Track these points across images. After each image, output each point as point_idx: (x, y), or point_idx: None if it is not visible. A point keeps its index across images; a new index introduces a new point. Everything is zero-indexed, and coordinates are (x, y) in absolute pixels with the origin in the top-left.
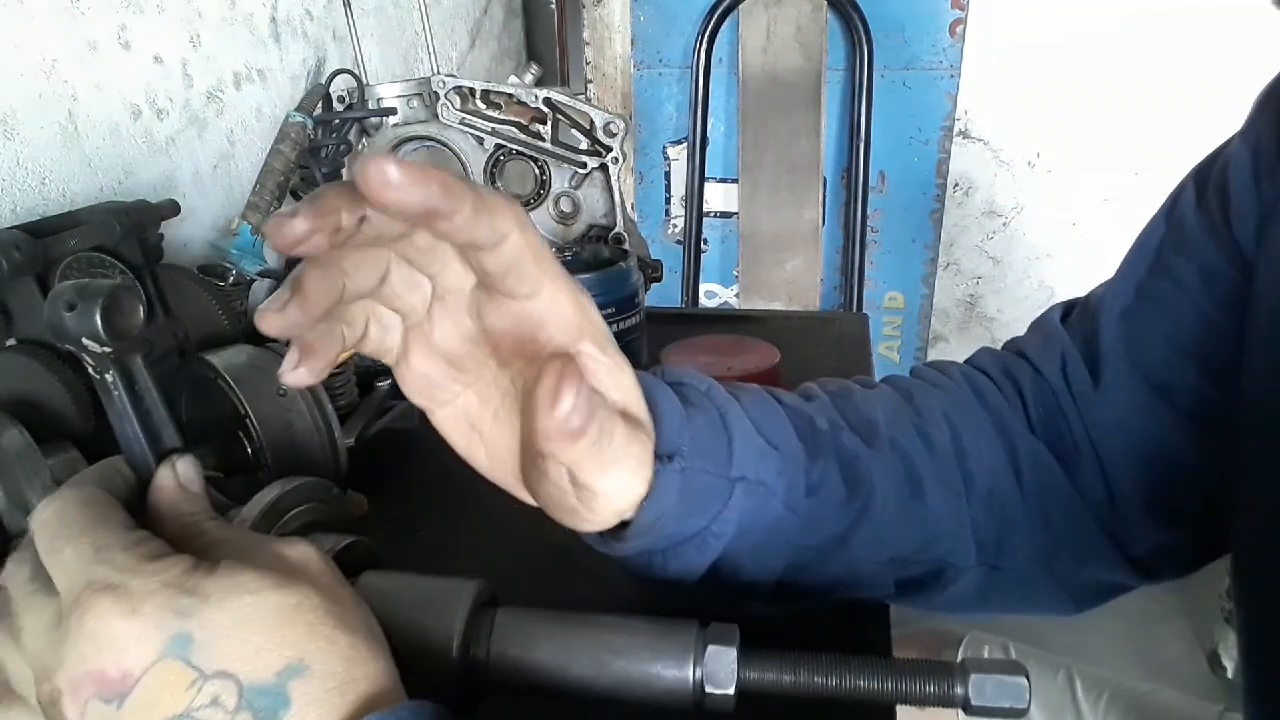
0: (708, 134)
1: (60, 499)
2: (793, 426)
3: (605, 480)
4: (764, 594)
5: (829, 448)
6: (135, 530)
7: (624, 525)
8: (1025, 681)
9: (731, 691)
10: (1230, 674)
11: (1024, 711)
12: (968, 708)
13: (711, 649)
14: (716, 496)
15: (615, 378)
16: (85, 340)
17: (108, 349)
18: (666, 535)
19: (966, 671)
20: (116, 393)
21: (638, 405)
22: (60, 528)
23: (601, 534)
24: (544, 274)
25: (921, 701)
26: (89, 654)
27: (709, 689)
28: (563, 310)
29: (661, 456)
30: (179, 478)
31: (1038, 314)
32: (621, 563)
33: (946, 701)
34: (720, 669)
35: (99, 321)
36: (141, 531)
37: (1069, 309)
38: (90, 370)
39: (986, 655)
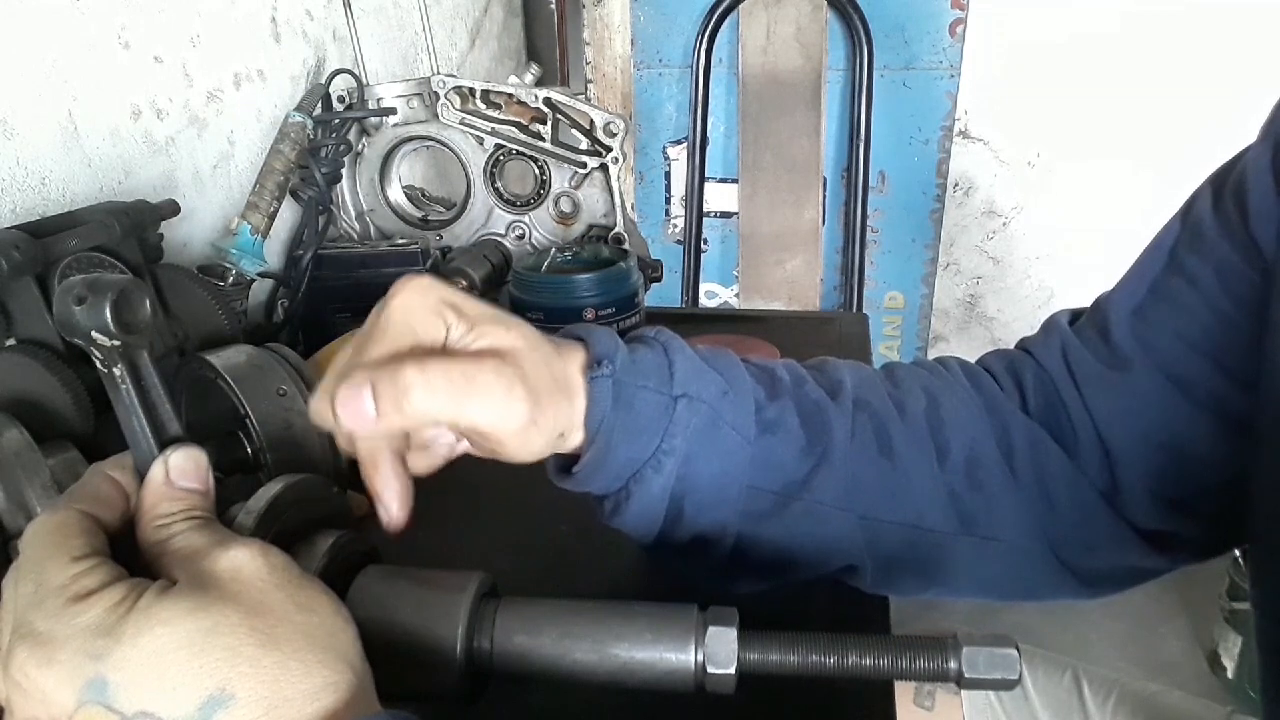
0: (708, 134)
1: (33, 525)
2: (748, 371)
3: (475, 413)
4: (729, 546)
5: (788, 394)
6: (83, 561)
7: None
8: (1015, 653)
9: (733, 671)
10: (1230, 674)
11: (1015, 683)
12: (961, 680)
13: (712, 630)
14: (661, 412)
15: (478, 331)
16: (94, 334)
17: (116, 343)
18: (624, 459)
19: (959, 645)
20: (124, 386)
21: (510, 344)
22: (23, 559)
23: (570, 471)
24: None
25: (917, 677)
26: (22, 703)
27: (710, 669)
28: (413, 309)
29: (592, 365)
30: (169, 472)
31: (1037, 314)
32: (599, 506)
33: (941, 676)
34: (721, 650)
35: (109, 315)
36: (89, 561)
37: (1079, 313)
38: (98, 364)
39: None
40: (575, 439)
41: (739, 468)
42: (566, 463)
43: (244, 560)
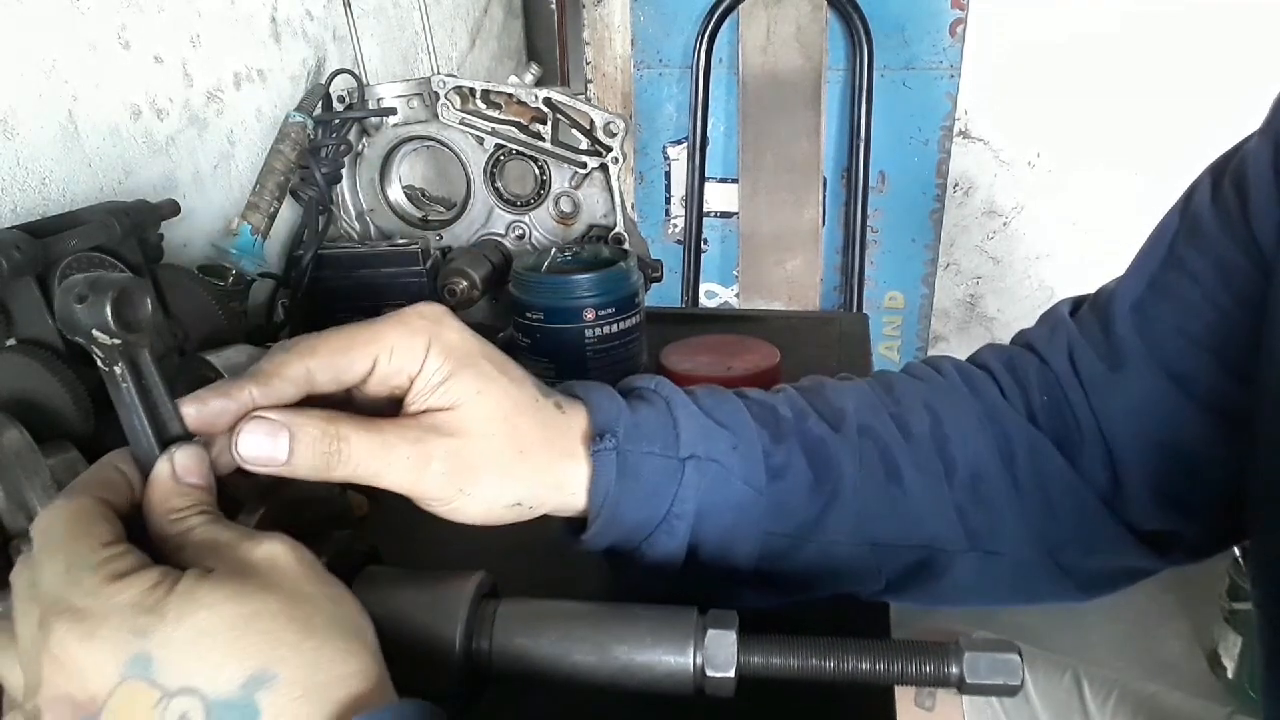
0: (708, 134)
1: (51, 511)
2: (750, 414)
3: (385, 478)
4: (744, 582)
5: (793, 433)
6: (112, 545)
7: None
8: (1018, 659)
9: (732, 674)
10: (1230, 674)
11: (1017, 689)
12: (962, 686)
13: (711, 633)
14: (669, 477)
15: (450, 383)
16: (95, 332)
17: (117, 341)
18: (633, 524)
19: (961, 650)
20: (125, 385)
21: (471, 408)
22: (46, 542)
23: (578, 533)
24: (364, 342)
25: (918, 682)
26: (57, 679)
27: (709, 672)
28: (403, 349)
29: (595, 437)
30: (175, 469)
31: (1037, 314)
32: (610, 563)
33: (942, 681)
34: (720, 652)
35: (109, 314)
36: (118, 546)
37: (1078, 303)
38: (99, 363)
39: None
40: (571, 504)
41: (752, 518)
42: (574, 523)
43: (279, 553)
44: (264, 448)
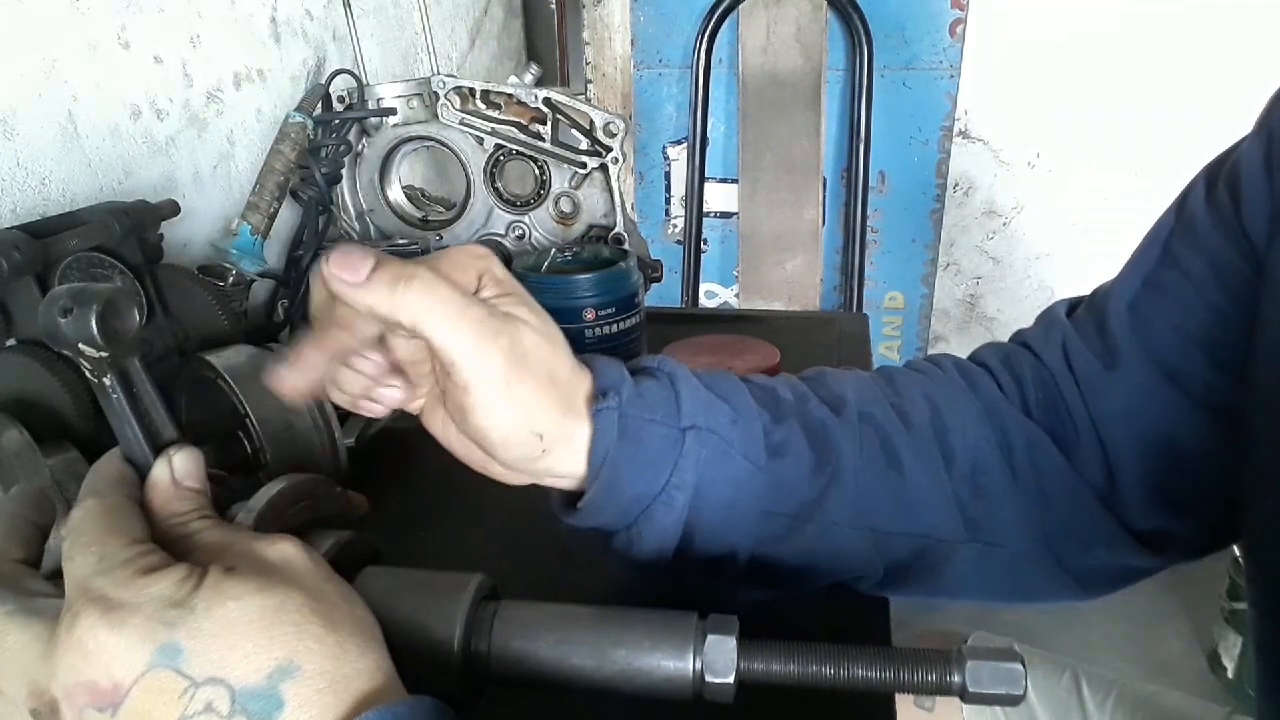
0: (708, 134)
1: (86, 507)
2: (751, 394)
3: (446, 334)
4: (742, 567)
5: (793, 414)
6: (141, 543)
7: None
8: (1021, 668)
9: (731, 680)
10: (1230, 674)
11: (1020, 698)
12: (965, 695)
13: (711, 638)
14: (670, 446)
15: (507, 301)
16: (82, 345)
17: (104, 354)
18: (631, 495)
19: (963, 659)
20: (115, 396)
21: (527, 321)
22: (78, 536)
23: (575, 506)
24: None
25: (920, 690)
26: (79, 665)
27: (709, 678)
28: (460, 272)
29: (598, 396)
30: (174, 473)
31: (1037, 314)
32: (606, 544)
33: (944, 690)
34: (720, 658)
35: (95, 327)
36: (147, 544)
37: (1075, 304)
38: (88, 374)
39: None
40: (572, 466)
41: (751, 496)
42: (572, 498)
43: (293, 553)
44: (350, 263)
